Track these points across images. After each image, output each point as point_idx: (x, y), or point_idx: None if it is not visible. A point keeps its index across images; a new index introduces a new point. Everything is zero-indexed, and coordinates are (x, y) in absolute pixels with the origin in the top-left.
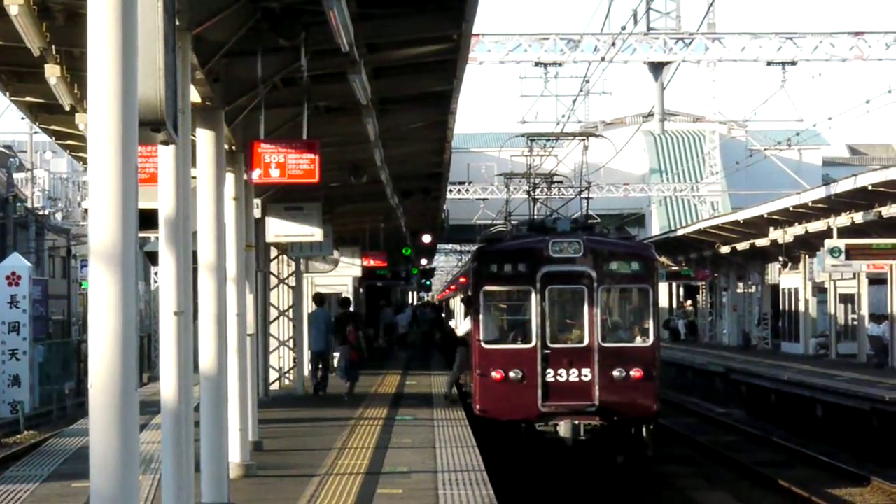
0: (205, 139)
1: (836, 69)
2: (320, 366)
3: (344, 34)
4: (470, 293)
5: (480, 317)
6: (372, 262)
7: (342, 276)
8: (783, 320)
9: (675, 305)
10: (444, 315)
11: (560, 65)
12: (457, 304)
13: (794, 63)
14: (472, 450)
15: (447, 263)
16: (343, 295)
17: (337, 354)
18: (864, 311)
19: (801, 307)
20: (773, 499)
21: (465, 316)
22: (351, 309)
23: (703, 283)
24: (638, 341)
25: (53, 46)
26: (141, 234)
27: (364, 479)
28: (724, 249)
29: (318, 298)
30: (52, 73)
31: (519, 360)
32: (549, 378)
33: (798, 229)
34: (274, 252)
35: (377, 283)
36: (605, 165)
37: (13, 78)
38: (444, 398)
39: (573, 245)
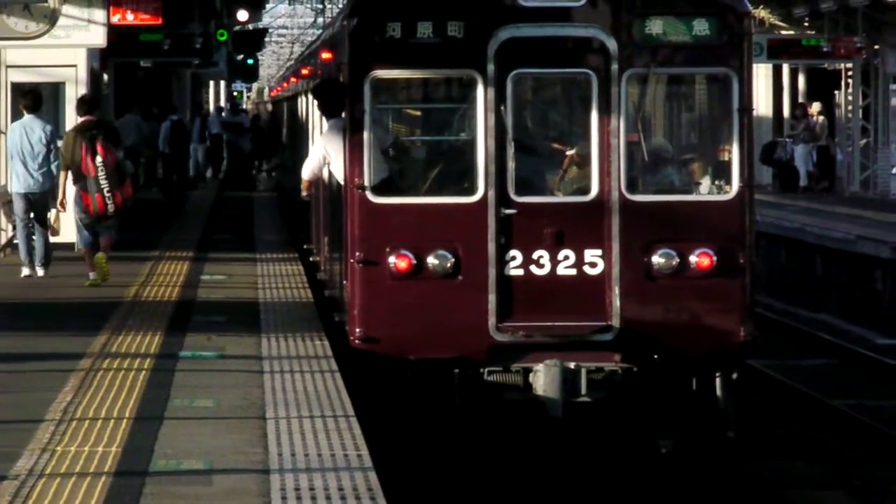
0: None
1: None
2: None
3: None
4: (343, 80)
5: (364, 136)
6: (130, 18)
7: (65, 46)
8: None
9: (787, 114)
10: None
11: None
12: (311, 115)
13: None
14: (345, 423)
15: (293, 21)
16: (83, 93)
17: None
18: None
19: None
20: None
21: (326, 133)
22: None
23: (848, 64)
24: (706, 190)
25: None
26: None
27: (110, 485)
28: None
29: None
30: None
31: (448, 231)
32: (514, 269)
33: None
34: None
35: (141, 63)
36: None
37: None
38: None
39: None
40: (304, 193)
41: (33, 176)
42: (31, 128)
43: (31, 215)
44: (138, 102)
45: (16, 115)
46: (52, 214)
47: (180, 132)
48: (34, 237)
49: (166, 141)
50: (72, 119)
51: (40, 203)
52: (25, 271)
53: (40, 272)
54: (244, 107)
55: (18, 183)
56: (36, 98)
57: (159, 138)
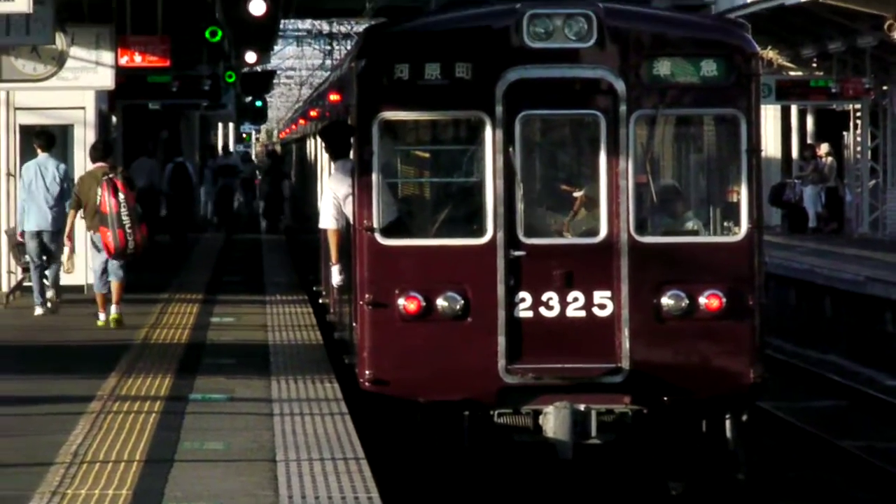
0: None
1: None
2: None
3: None
4: (350, 122)
5: (373, 178)
6: (138, 60)
7: (73, 88)
8: None
9: (795, 154)
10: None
11: None
12: (319, 157)
13: None
14: (355, 465)
15: (301, 63)
16: (97, 138)
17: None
18: None
19: None
20: None
21: (334, 175)
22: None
23: (856, 105)
24: (716, 232)
25: None
26: None
27: None
28: None
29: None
30: None
31: (457, 273)
32: (523, 311)
33: None
34: None
35: (149, 105)
36: None
37: None
38: None
39: (576, 22)
40: (333, 263)
41: (47, 215)
42: (45, 167)
43: (44, 255)
44: (150, 145)
45: (25, 157)
46: (65, 253)
47: (182, 175)
48: (46, 276)
49: (168, 183)
50: (80, 161)
51: (53, 241)
52: (38, 311)
53: (50, 304)
54: (251, 151)
55: (32, 221)
56: (49, 138)
57: (163, 180)
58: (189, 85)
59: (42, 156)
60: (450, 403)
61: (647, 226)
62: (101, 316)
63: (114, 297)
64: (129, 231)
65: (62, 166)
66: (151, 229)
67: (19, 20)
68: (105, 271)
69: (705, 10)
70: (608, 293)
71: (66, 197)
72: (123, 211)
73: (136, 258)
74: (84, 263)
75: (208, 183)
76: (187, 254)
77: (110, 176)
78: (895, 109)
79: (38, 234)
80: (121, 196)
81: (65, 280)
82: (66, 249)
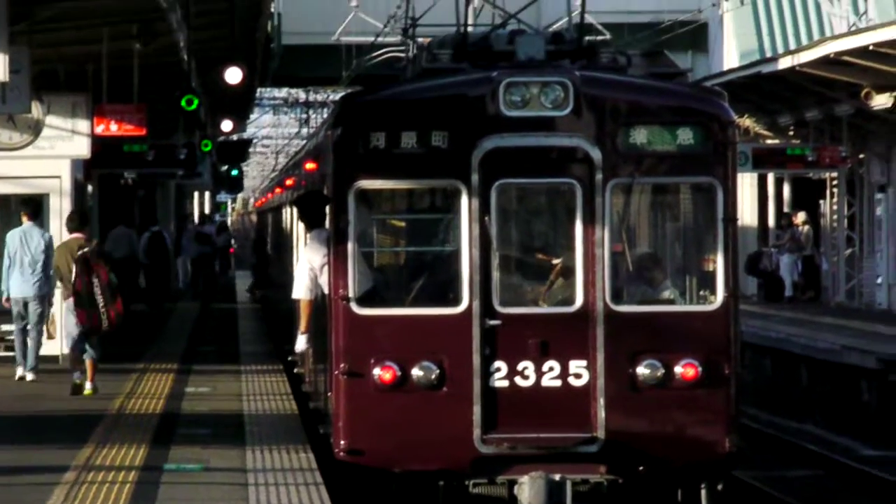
0: None
1: None
2: None
3: None
4: (327, 192)
5: (348, 247)
6: (114, 129)
7: (49, 157)
8: None
9: (772, 223)
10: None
11: None
12: (294, 226)
13: None
14: None
15: (277, 131)
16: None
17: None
18: None
19: None
20: None
21: (309, 244)
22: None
23: (833, 173)
24: (692, 301)
25: None
26: None
27: None
28: (880, 101)
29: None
30: None
31: (433, 342)
32: (498, 380)
33: None
34: None
35: (124, 174)
36: None
37: None
38: None
39: (552, 90)
40: (301, 332)
41: (30, 282)
42: (31, 235)
43: (27, 322)
44: (128, 214)
45: (1, 226)
46: (49, 317)
47: (159, 244)
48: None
49: (145, 252)
50: (56, 230)
51: (36, 308)
52: (20, 371)
53: (30, 376)
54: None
55: (16, 288)
56: (36, 206)
57: (139, 250)
58: (165, 154)
59: (27, 224)
60: (425, 473)
61: (623, 295)
62: (77, 375)
63: (88, 374)
64: (101, 310)
65: (47, 234)
66: (128, 299)
67: None
68: (81, 334)
69: (682, 78)
70: (584, 362)
71: (50, 265)
72: (96, 290)
73: (110, 333)
74: (59, 332)
75: (185, 252)
76: (163, 323)
77: (84, 251)
78: (872, 178)
79: (22, 301)
80: (92, 277)
81: (42, 350)
82: (49, 316)
